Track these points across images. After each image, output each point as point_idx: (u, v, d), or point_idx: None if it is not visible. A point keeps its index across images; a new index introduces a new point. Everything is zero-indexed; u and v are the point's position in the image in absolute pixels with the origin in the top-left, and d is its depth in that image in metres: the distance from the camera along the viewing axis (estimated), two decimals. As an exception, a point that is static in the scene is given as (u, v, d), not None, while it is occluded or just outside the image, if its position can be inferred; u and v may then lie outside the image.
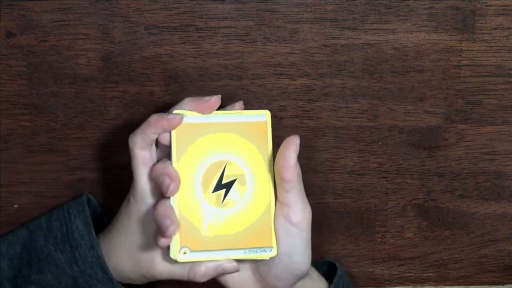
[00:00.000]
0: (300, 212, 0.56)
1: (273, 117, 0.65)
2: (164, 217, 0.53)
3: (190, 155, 0.56)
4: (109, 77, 0.64)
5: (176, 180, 0.54)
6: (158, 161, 0.57)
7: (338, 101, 0.65)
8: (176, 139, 0.56)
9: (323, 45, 0.64)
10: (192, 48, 0.63)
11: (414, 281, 0.72)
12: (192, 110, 0.56)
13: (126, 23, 0.62)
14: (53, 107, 0.64)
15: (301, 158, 0.67)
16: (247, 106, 0.65)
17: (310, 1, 0.62)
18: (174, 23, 0.62)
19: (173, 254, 0.55)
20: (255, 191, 0.57)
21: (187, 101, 0.56)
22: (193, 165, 0.56)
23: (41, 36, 0.62)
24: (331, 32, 0.63)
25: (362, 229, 0.70)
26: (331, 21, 0.63)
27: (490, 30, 0.63)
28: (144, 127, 0.55)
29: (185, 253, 0.56)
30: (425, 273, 0.71)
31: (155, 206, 0.55)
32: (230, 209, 0.57)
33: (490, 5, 0.63)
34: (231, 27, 0.63)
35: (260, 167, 0.57)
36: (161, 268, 0.57)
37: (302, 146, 0.66)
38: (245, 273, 0.60)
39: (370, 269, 0.71)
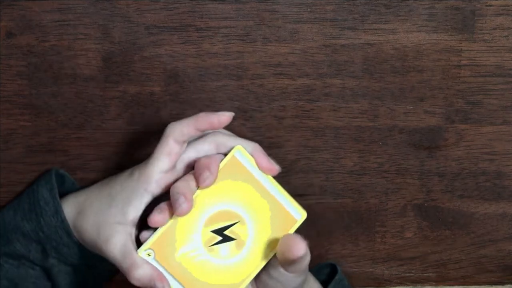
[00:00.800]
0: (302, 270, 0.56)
1: (273, 117, 0.65)
2: (179, 194, 0.54)
3: (221, 187, 0.56)
4: (109, 77, 0.64)
5: (190, 204, 0.53)
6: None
7: (338, 101, 0.65)
8: (226, 163, 0.55)
9: (323, 45, 0.64)
10: (192, 48, 0.63)
11: (414, 281, 0.72)
12: (202, 127, 0.55)
13: (126, 23, 0.62)
14: (53, 107, 0.64)
15: (301, 158, 0.67)
16: (247, 106, 0.65)
17: (310, 1, 0.62)
18: (174, 23, 0.62)
19: (140, 249, 0.55)
20: (242, 262, 0.56)
21: (202, 116, 0.55)
22: (216, 196, 0.56)
23: (41, 36, 0.62)
24: (331, 32, 0.63)
25: (362, 229, 0.70)
26: (331, 21, 0.63)
27: (490, 30, 0.63)
28: (190, 120, 0.55)
29: (149, 255, 0.55)
30: (425, 273, 0.71)
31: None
32: (211, 257, 0.56)
33: (490, 5, 0.63)
34: (231, 27, 0.63)
35: (263, 247, 0.56)
36: (112, 248, 0.55)
37: (302, 146, 0.66)
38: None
39: (370, 269, 0.71)
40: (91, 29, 0.62)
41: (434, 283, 0.72)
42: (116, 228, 0.55)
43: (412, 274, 0.71)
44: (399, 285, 0.72)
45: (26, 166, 0.66)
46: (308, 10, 0.62)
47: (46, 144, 0.65)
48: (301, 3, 0.62)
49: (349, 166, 0.68)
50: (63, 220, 0.58)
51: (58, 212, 0.59)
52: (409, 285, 0.72)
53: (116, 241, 0.55)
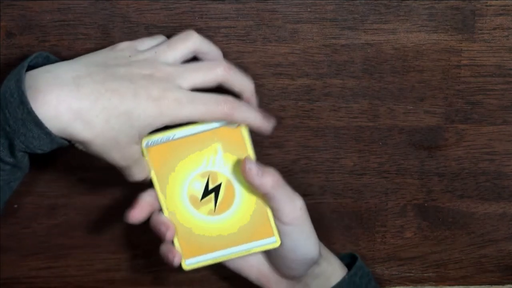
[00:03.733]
0: (290, 212, 0.58)
1: (273, 117, 0.65)
2: (159, 224, 0.58)
3: (173, 178, 0.58)
4: (109, 77, 0.64)
5: (171, 228, 0.58)
6: None
7: (338, 101, 0.65)
8: (154, 169, 0.58)
9: (323, 45, 0.64)
10: (192, 48, 0.63)
11: (414, 281, 0.72)
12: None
13: (126, 23, 0.62)
14: (53, 107, 0.64)
15: (301, 158, 0.67)
16: (247, 106, 0.65)
17: (310, 1, 0.62)
18: (174, 23, 0.62)
19: (182, 264, 0.59)
20: (244, 192, 0.58)
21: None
22: (177, 185, 0.58)
23: (41, 36, 0.62)
24: (331, 32, 0.63)
25: (362, 229, 0.70)
26: (331, 21, 0.63)
27: (490, 30, 0.64)
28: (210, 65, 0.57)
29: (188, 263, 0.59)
30: (425, 273, 0.71)
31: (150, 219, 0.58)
32: (224, 213, 0.58)
33: (490, 5, 0.63)
34: (231, 27, 0.63)
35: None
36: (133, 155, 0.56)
37: (302, 146, 0.66)
38: (262, 266, 0.62)
39: (370, 269, 0.71)
40: (91, 29, 0.62)
41: (434, 283, 0.72)
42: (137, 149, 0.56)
43: (412, 274, 0.71)
44: (399, 285, 0.72)
45: (26, 166, 0.66)
46: (308, 10, 0.62)
47: (46, 144, 0.65)
48: (301, 3, 0.62)
49: (349, 166, 0.68)
50: (29, 112, 0.51)
51: (23, 103, 0.51)
52: (409, 285, 0.72)
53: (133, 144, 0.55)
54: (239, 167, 0.57)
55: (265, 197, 0.58)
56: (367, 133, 0.67)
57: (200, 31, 0.62)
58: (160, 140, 0.57)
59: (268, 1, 0.62)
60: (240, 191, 0.58)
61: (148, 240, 0.68)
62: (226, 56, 0.63)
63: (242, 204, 0.58)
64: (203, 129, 0.57)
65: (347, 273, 0.62)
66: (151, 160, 0.57)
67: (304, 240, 0.59)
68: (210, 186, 0.58)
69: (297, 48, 0.64)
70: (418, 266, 0.71)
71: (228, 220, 0.58)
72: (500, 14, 0.63)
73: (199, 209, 0.58)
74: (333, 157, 0.67)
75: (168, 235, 0.58)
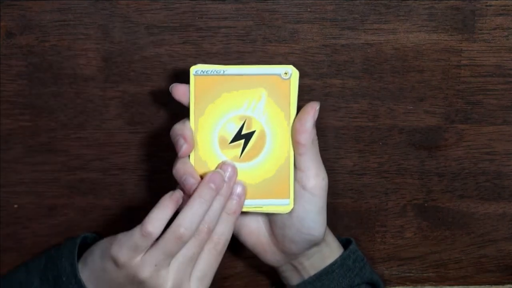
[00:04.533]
0: (313, 177, 0.57)
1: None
2: (185, 175, 0.55)
3: (209, 112, 0.57)
4: (109, 77, 0.64)
5: (190, 143, 0.56)
6: None
7: (338, 101, 0.65)
8: (195, 98, 0.57)
9: (323, 45, 0.64)
10: (192, 48, 0.63)
11: (414, 281, 0.72)
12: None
13: (126, 23, 0.62)
14: (53, 107, 0.64)
15: (301, 158, 0.67)
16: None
17: (310, 1, 0.62)
18: (174, 23, 0.62)
19: None
20: (274, 145, 0.58)
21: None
22: (211, 121, 0.57)
23: (41, 36, 0.62)
24: (331, 32, 0.63)
25: (362, 229, 0.70)
26: (331, 21, 0.63)
27: (490, 30, 0.63)
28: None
29: None
30: (425, 273, 0.71)
31: (174, 165, 0.56)
32: (248, 163, 0.58)
33: (490, 5, 0.63)
34: (231, 27, 0.63)
35: (280, 123, 0.58)
36: None
37: (302, 146, 0.66)
38: (262, 236, 0.61)
39: (370, 269, 0.71)
40: (91, 29, 0.62)
41: (434, 283, 0.72)
42: None
43: (412, 274, 0.71)
44: (399, 285, 0.72)
45: (26, 166, 0.66)
46: (308, 10, 0.62)
47: (46, 144, 0.65)
48: (301, 3, 0.62)
49: (349, 166, 0.68)
50: None
51: None
52: (409, 285, 0.72)
53: None
54: (277, 119, 0.57)
55: (299, 153, 0.57)
56: (367, 133, 0.67)
57: (200, 31, 0.62)
58: (210, 72, 0.56)
59: (268, 1, 0.62)
60: (270, 144, 0.58)
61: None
62: (226, 55, 0.63)
63: (268, 158, 0.58)
64: (253, 72, 0.57)
65: (340, 256, 0.62)
66: (194, 89, 0.57)
67: (314, 214, 0.58)
68: (243, 131, 0.57)
69: (297, 48, 0.64)
70: (418, 266, 0.71)
71: (249, 170, 0.58)
72: (500, 14, 0.63)
73: (224, 151, 0.57)
74: (333, 157, 0.67)
75: (185, 149, 0.56)
